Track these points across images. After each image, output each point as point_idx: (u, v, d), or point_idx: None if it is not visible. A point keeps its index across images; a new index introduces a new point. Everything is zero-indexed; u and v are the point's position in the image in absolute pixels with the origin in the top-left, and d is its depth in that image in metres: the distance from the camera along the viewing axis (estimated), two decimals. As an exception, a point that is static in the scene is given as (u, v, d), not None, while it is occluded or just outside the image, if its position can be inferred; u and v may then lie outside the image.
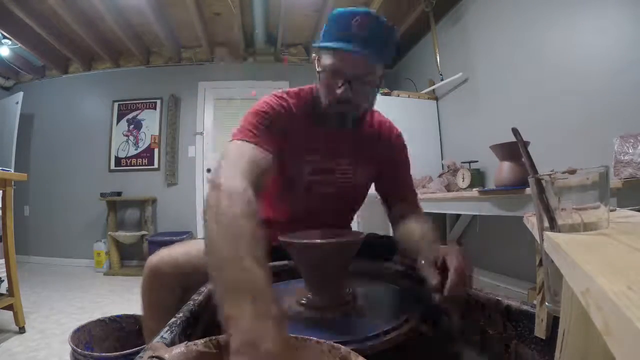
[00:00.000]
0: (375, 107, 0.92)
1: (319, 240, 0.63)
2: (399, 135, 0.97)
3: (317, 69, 0.80)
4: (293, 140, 0.83)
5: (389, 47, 0.77)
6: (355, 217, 1.06)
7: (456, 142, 2.85)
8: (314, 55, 0.83)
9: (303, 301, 0.62)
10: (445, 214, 2.84)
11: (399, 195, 0.94)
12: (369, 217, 2.48)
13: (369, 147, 0.91)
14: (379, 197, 0.99)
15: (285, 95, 0.84)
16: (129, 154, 3.69)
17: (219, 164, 0.62)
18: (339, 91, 0.76)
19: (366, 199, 1.02)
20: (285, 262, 0.82)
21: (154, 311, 0.77)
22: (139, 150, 3.69)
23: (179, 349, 0.37)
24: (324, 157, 0.87)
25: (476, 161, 2.32)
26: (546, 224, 0.31)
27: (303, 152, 0.86)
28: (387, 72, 0.79)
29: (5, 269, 1.72)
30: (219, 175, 0.56)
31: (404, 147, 0.97)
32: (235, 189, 0.53)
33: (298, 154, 0.86)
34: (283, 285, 0.78)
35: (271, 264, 0.78)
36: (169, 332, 0.47)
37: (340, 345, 0.36)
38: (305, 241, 0.63)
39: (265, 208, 0.93)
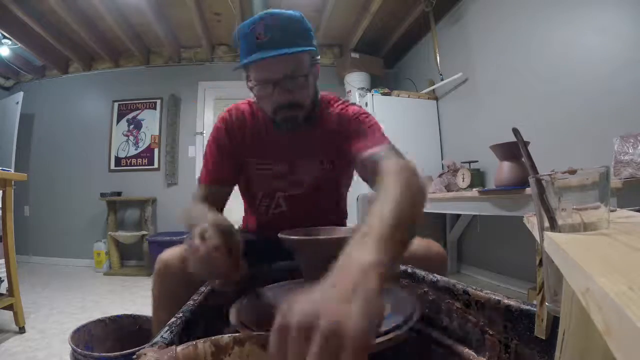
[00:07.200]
0: (346, 100, 0.94)
1: (318, 237, 0.63)
2: (356, 112, 0.87)
3: (249, 85, 0.83)
4: (254, 147, 0.91)
5: (297, 34, 0.76)
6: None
7: (456, 142, 2.85)
8: (245, 74, 0.85)
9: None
10: (445, 214, 2.84)
11: (369, 164, 0.73)
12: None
13: (332, 140, 0.87)
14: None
15: (229, 115, 0.96)
16: (129, 154, 3.69)
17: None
18: (274, 98, 0.79)
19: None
20: (287, 262, 0.82)
21: (163, 301, 0.82)
22: (139, 150, 3.69)
23: (178, 349, 0.37)
24: (290, 163, 0.91)
25: (476, 161, 2.32)
26: (546, 224, 0.31)
27: (268, 161, 0.92)
28: (316, 57, 0.82)
29: (5, 269, 1.72)
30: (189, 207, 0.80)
31: (360, 118, 0.86)
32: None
33: (262, 161, 0.92)
34: (283, 285, 0.78)
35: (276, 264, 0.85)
36: (169, 332, 0.47)
37: (340, 345, 0.36)
38: (304, 237, 0.63)
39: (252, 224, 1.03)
